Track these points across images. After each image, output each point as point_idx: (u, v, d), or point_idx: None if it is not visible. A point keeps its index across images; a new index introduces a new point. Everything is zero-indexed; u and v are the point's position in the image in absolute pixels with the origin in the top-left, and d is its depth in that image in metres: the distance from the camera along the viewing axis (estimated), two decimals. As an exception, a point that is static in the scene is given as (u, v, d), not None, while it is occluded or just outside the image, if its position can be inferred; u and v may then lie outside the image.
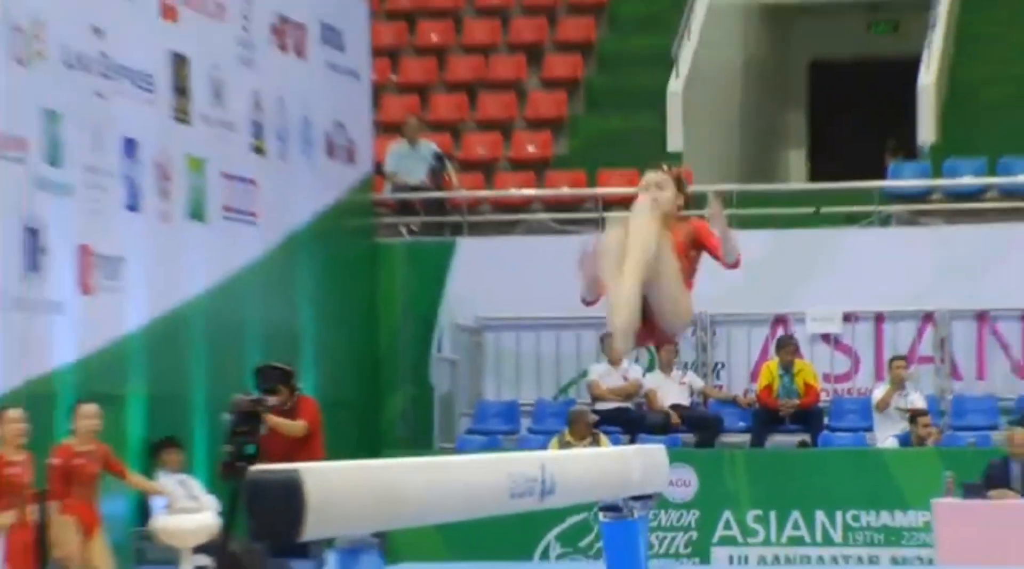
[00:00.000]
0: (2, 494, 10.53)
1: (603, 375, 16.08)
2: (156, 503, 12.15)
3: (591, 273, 6.62)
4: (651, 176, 7.04)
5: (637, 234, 6.58)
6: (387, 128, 18.48)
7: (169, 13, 13.80)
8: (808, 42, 22.92)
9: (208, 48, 14.28)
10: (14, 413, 10.74)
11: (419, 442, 16.40)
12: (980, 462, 14.43)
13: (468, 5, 21.18)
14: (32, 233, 12.09)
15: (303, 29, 15.87)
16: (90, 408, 11.44)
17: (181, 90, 13.94)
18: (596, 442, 14.67)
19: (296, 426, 12.25)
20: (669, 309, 6.73)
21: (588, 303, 6.79)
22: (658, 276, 6.62)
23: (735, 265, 6.97)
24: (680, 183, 7.05)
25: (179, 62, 13.93)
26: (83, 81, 12.72)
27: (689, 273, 6.89)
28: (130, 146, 13.26)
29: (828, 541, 15.06)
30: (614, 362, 15.74)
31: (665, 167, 7.14)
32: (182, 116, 13.95)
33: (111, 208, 12.97)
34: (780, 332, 16.40)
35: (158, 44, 13.66)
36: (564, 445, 14.68)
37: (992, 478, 14.19)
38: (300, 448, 11.93)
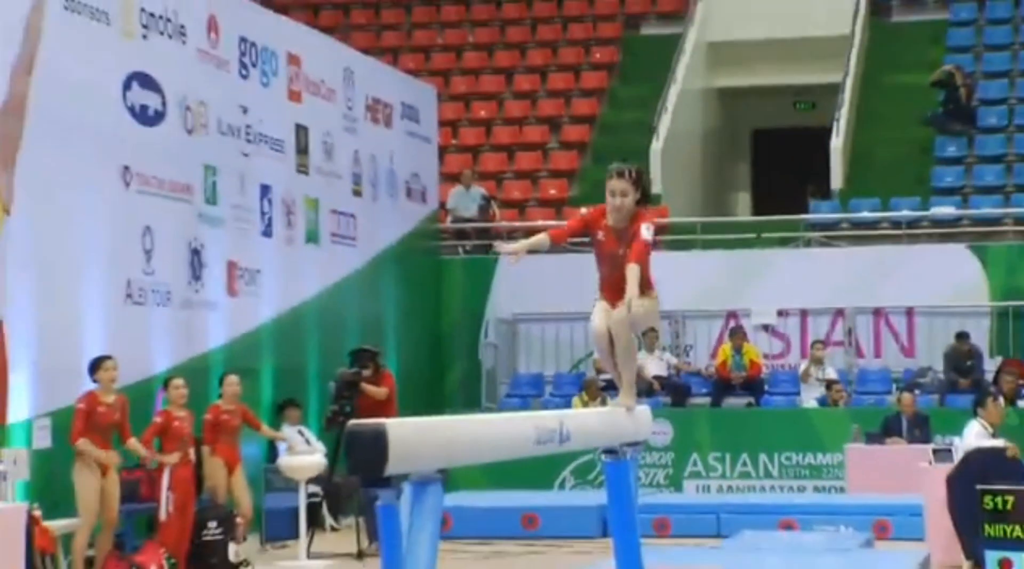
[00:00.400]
0: (170, 440, 10.47)
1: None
2: (281, 447, 12.07)
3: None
4: (615, 184, 6.12)
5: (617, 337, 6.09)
6: (449, 177, 18.41)
7: (295, 96, 13.77)
8: (751, 116, 22.86)
9: (322, 120, 14.23)
10: (178, 380, 10.67)
11: (471, 403, 16.34)
12: (878, 417, 14.31)
13: (508, 90, 21.14)
14: (195, 252, 12.06)
15: (390, 107, 15.82)
16: (233, 378, 11.39)
17: (302, 150, 13.90)
18: (603, 402, 14.54)
19: (381, 392, 12.20)
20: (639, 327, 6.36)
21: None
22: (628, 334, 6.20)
23: (629, 261, 6.08)
24: (639, 182, 6.18)
25: (301, 131, 13.88)
26: (232, 144, 12.68)
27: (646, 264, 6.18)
28: (265, 190, 13.21)
29: (768, 475, 14.92)
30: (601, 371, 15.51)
31: (627, 172, 6.17)
32: (303, 169, 13.90)
33: (251, 234, 12.93)
34: (732, 323, 16.30)
35: (286, 118, 13.62)
36: (583, 403, 14.56)
37: (887, 429, 14.06)
38: (382, 407, 11.87)
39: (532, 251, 6.21)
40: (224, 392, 11.32)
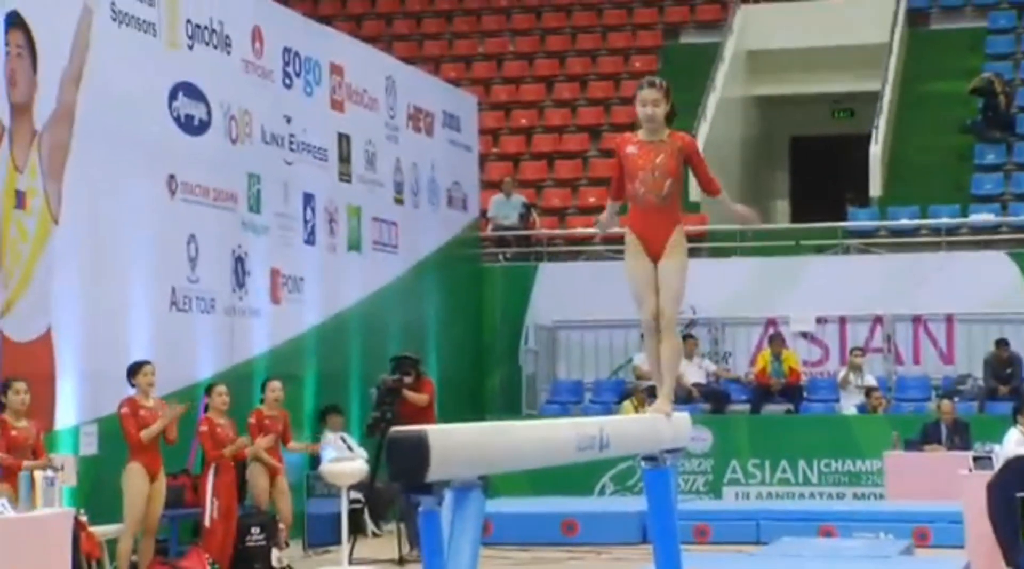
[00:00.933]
0: (215, 447, 10.48)
1: (643, 362, 15.88)
2: (324, 453, 12.07)
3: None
4: (647, 94, 6.06)
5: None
6: (490, 185, 18.40)
7: (337, 105, 13.79)
8: (789, 123, 22.77)
9: (364, 129, 14.25)
10: (220, 387, 10.68)
11: (511, 409, 16.30)
12: (917, 424, 14.21)
13: (548, 98, 21.13)
14: (239, 260, 12.09)
15: (431, 116, 15.82)
16: (276, 383, 11.40)
17: (345, 159, 13.92)
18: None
19: (422, 398, 12.17)
20: (666, 288, 6.07)
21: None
22: (666, 269, 6.06)
23: (715, 192, 6.20)
24: (668, 94, 6.11)
25: (344, 139, 13.90)
26: (276, 153, 12.71)
27: (679, 185, 6.11)
28: (308, 198, 13.24)
29: (807, 482, 14.81)
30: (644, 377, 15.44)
31: (657, 83, 6.15)
32: (345, 177, 13.92)
33: (295, 242, 12.96)
34: (771, 330, 16.22)
35: (329, 127, 13.64)
36: (635, 408, 14.39)
37: (926, 436, 13.96)
38: (422, 414, 11.85)
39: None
40: (266, 397, 11.33)
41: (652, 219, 6.11)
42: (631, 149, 6.16)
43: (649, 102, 6.13)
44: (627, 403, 14.94)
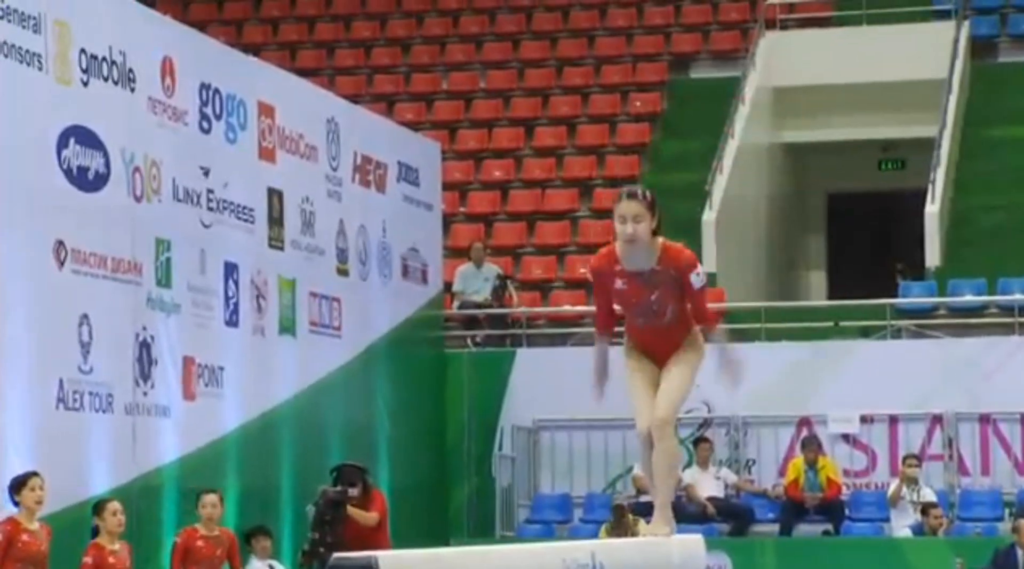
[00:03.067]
0: None
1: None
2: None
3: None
4: (626, 207, 6.13)
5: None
6: (456, 252, 18.48)
7: (267, 154, 13.86)
8: (826, 177, 22.95)
9: (300, 184, 14.32)
10: (114, 505, 10.60)
11: (482, 530, 16.26)
12: (987, 550, 14.20)
13: (527, 145, 21.29)
14: (143, 346, 12.08)
15: (383, 167, 15.92)
16: (213, 497, 11.41)
17: (276, 220, 13.96)
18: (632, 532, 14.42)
19: (371, 517, 12.14)
20: (667, 380, 6.28)
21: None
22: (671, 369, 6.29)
23: (709, 327, 6.35)
24: (654, 207, 6.17)
25: (274, 196, 13.96)
26: (190, 213, 12.74)
27: (684, 300, 6.22)
28: (230, 269, 13.26)
29: (850, 621, 14.79)
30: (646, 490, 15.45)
31: (639, 194, 6.22)
32: (276, 243, 13.96)
33: (213, 324, 12.95)
34: (804, 432, 16.26)
35: (257, 181, 13.70)
36: (608, 534, 14.44)
37: (999, 565, 13.94)
38: (371, 536, 11.80)
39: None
40: (202, 514, 11.31)
41: (658, 339, 6.35)
42: (619, 284, 6.26)
43: (629, 218, 6.17)
44: (602, 529, 14.86)
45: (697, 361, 6.34)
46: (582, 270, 19.03)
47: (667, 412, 6.24)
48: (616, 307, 6.37)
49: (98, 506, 10.65)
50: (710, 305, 6.37)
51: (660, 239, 6.22)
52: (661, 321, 6.24)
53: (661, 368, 6.34)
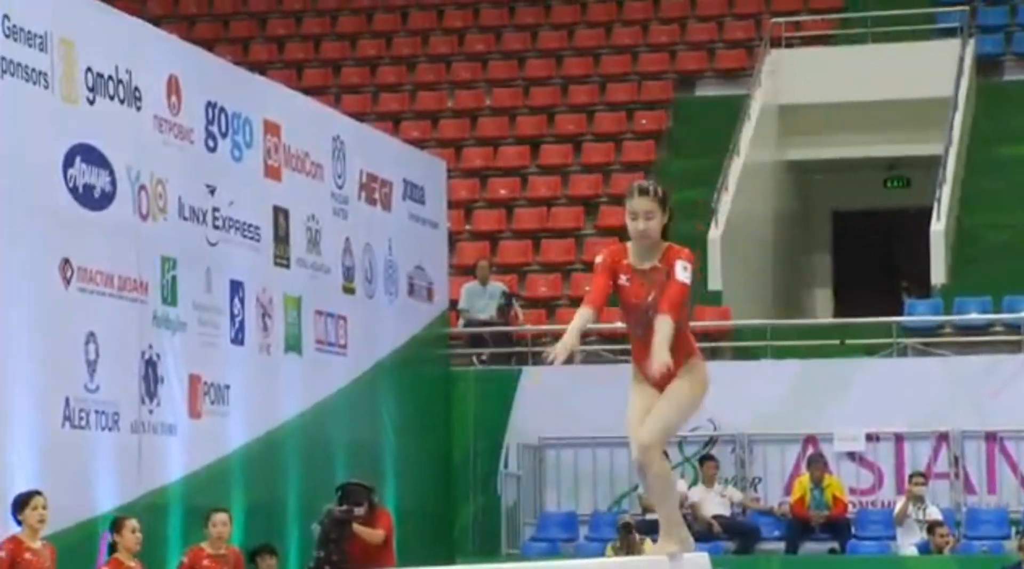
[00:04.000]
0: None
1: (652, 489, 15.86)
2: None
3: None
4: (638, 204, 6.12)
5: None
6: (461, 270, 18.48)
7: (273, 172, 13.87)
8: (831, 195, 22.95)
9: (306, 202, 14.32)
10: (132, 522, 10.64)
11: (488, 548, 16.22)
12: (993, 568, 14.15)
13: (532, 163, 21.29)
14: (149, 364, 12.08)
15: (389, 185, 15.92)
16: (222, 516, 11.43)
17: (282, 238, 13.97)
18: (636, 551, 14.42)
19: (377, 535, 12.14)
20: (657, 406, 6.17)
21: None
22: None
23: (660, 312, 6.06)
24: (665, 204, 6.19)
25: (280, 214, 13.97)
26: (196, 231, 12.75)
27: (685, 312, 6.21)
28: (236, 287, 13.27)
29: (856, 640, 14.77)
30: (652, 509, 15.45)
31: (651, 190, 6.23)
32: (282, 261, 13.96)
33: (219, 342, 12.96)
34: (810, 450, 16.23)
35: (263, 199, 13.71)
36: (615, 552, 14.44)
37: (1004, 582, 13.92)
38: (377, 553, 11.80)
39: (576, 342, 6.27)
40: (209, 533, 11.32)
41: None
42: (623, 280, 6.21)
43: (641, 214, 6.16)
44: (608, 547, 14.84)
45: (692, 392, 6.22)
46: (587, 288, 19.03)
47: (650, 438, 6.15)
48: (627, 319, 6.27)
49: (116, 523, 10.67)
50: (682, 302, 6.07)
51: (666, 243, 6.19)
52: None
53: (660, 388, 6.25)
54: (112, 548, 10.61)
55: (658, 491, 6.27)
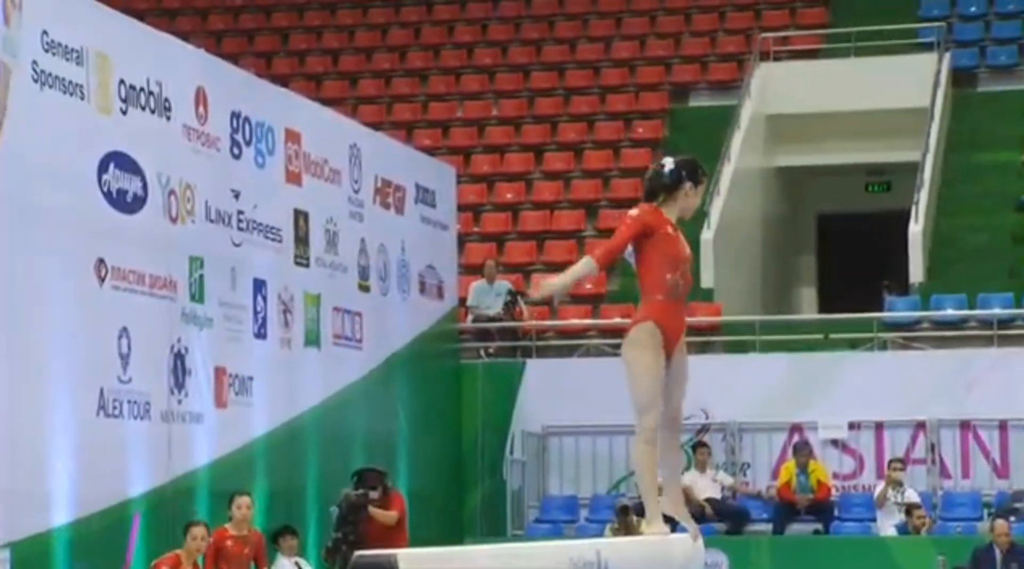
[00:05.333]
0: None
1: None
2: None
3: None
4: (703, 187, 6.39)
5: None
6: (470, 270, 18.49)
7: (293, 177, 13.89)
8: (816, 199, 22.95)
9: (324, 205, 14.34)
10: (198, 530, 10.85)
11: (494, 530, 16.25)
12: (967, 548, 14.18)
13: (537, 169, 21.30)
14: (178, 357, 12.10)
15: (403, 190, 15.93)
16: (245, 499, 11.48)
17: (302, 239, 13.99)
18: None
19: (391, 516, 12.16)
20: (683, 384, 6.24)
21: None
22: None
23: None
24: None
25: (300, 217, 13.98)
26: (222, 233, 12.77)
27: None
28: (259, 285, 13.28)
29: (839, 615, 14.77)
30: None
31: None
32: (302, 260, 13.98)
33: (243, 336, 12.97)
34: (796, 438, 16.23)
35: (284, 203, 13.72)
36: (613, 534, 14.44)
37: (978, 562, 13.92)
38: (391, 534, 11.82)
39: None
40: (234, 516, 11.36)
41: (680, 315, 6.30)
42: (670, 230, 6.26)
43: (700, 196, 6.43)
44: (608, 528, 14.83)
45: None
46: (588, 286, 19.01)
47: (682, 410, 6.34)
48: (665, 273, 6.19)
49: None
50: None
51: None
52: (688, 290, 6.27)
53: (666, 355, 6.19)
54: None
55: (680, 467, 6.39)
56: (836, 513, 15.93)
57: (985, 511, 15.51)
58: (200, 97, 12.55)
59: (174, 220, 12.14)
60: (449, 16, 24.05)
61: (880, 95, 20.51)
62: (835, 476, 16.12)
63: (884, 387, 16.09)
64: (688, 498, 15.76)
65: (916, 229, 18.50)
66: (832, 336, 17.31)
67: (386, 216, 15.55)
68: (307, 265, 14.04)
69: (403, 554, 4.25)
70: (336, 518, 12.17)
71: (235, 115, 13.00)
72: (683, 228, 6.39)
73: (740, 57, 22.37)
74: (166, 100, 12.08)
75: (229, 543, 11.28)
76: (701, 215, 18.78)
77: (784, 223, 22.35)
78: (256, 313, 13.19)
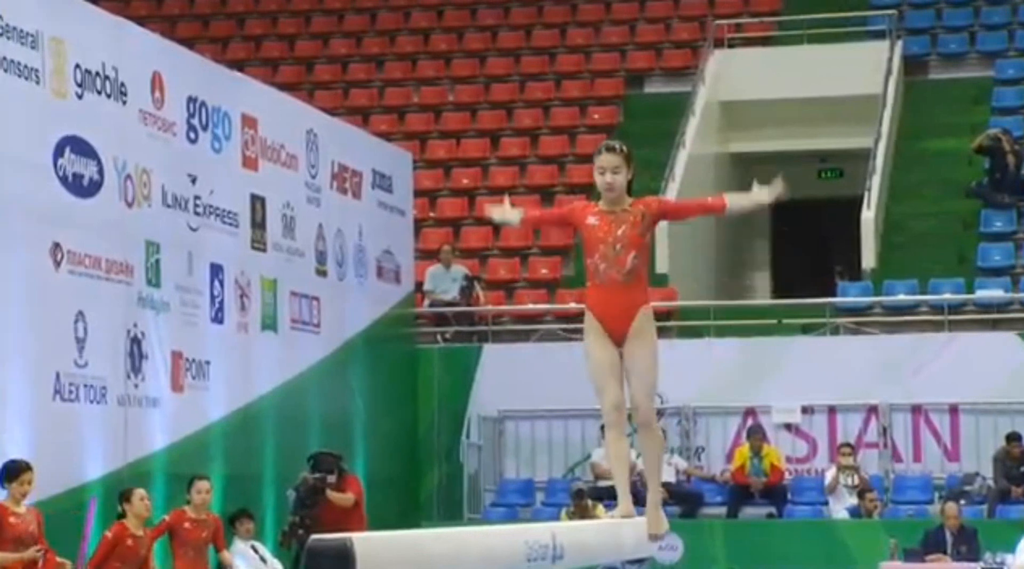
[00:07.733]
0: (123, 560, 10.47)
1: (602, 458, 15.91)
2: (236, 565, 11.98)
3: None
4: (606, 159, 6.19)
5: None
6: (426, 255, 18.48)
7: (250, 163, 13.84)
8: (768, 184, 22.95)
9: (281, 190, 14.30)
10: (141, 492, 10.73)
11: (451, 514, 16.26)
12: (918, 531, 14.29)
13: (493, 155, 21.30)
14: (134, 342, 12.05)
15: (359, 175, 15.91)
16: (204, 483, 11.42)
17: (259, 224, 13.95)
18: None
19: (347, 498, 12.15)
20: (638, 377, 6.17)
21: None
22: (633, 356, 6.17)
23: (721, 209, 6.55)
24: (630, 160, 6.26)
25: (257, 202, 13.94)
26: (178, 218, 12.72)
27: (645, 258, 6.25)
28: (216, 270, 13.24)
29: (792, 597, 14.85)
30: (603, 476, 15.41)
31: (617, 148, 6.28)
32: (259, 245, 13.94)
33: (199, 321, 12.94)
34: (750, 422, 16.31)
35: (241, 188, 13.68)
36: (569, 519, 14.46)
37: (929, 544, 14.02)
38: (348, 517, 11.80)
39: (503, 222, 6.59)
40: (193, 500, 11.31)
41: (615, 298, 6.20)
42: (591, 220, 6.27)
43: (608, 169, 6.23)
44: (563, 513, 14.85)
45: (656, 348, 6.25)
46: (543, 271, 19.07)
47: (649, 405, 6.25)
48: (587, 259, 6.28)
49: (125, 493, 10.78)
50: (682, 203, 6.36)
51: (631, 197, 6.29)
52: (621, 271, 6.14)
53: (617, 343, 6.17)
54: (120, 516, 10.66)
55: (657, 460, 6.39)
56: (789, 497, 16.02)
57: (936, 494, 15.63)
58: (156, 82, 12.48)
59: (130, 204, 12.09)
60: (405, 2, 24.00)
61: (833, 82, 20.59)
62: (788, 460, 16.22)
63: (836, 371, 16.18)
64: (642, 482, 15.82)
65: (868, 215, 18.60)
66: (785, 321, 17.40)
67: (343, 201, 15.53)
68: (264, 250, 14.00)
69: (358, 537, 4.24)
70: (293, 502, 12.15)
71: (191, 100, 12.95)
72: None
73: (694, 44, 22.41)
74: (122, 85, 12.02)
75: (187, 525, 11.24)
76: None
77: (738, 209, 22.39)
78: (213, 297, 13.15)
